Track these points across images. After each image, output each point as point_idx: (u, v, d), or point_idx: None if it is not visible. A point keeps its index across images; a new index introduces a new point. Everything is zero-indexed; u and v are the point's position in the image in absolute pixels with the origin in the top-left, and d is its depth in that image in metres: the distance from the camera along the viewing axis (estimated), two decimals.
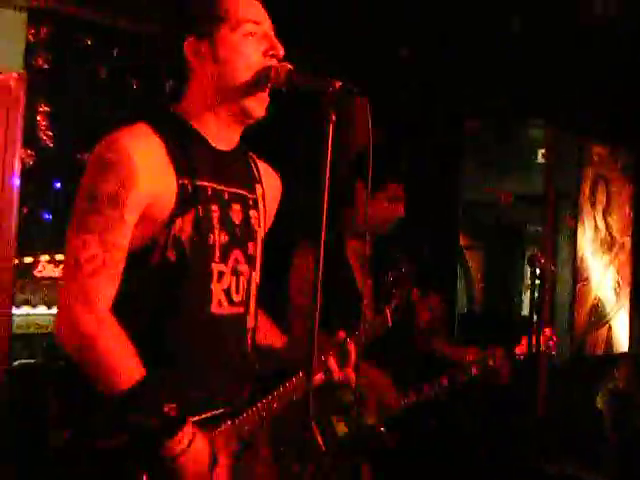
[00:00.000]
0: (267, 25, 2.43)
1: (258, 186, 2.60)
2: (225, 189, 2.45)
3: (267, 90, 2.41)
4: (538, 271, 3.86)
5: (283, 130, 4.37)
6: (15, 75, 4.17)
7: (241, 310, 2.49)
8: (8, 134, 4.15)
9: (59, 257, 8.20)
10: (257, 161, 2.66)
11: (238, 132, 2.51)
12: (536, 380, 5.47)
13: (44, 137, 5.06)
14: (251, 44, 2.38)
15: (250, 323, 2.55)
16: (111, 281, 2.24)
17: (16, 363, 5.72)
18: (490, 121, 7.01)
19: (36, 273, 7.75)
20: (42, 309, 7.56)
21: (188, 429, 2.25)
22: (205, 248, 2.37)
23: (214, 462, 2.32)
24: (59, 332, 2.25)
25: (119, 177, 2.22)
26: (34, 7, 4.39)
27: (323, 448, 3.73)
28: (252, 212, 2.54)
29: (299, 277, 3.91)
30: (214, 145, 2.44)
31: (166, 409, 2.22)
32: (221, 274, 2.41)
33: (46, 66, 4.95)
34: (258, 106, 2.42)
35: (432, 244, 6.21)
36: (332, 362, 2.70)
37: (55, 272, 8.09)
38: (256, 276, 2.56)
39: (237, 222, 2.47)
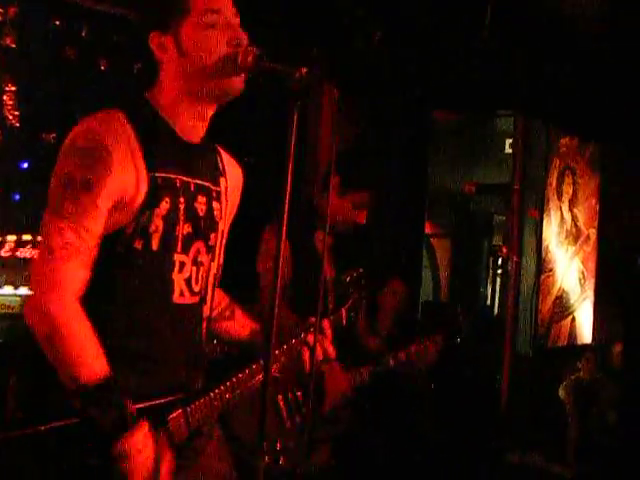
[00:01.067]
0: (230, 13, 2.41)
1: (222, 179, 2.60)
2: (191, 181, 2.45)
3: (238, 74, 2.39)
4: (501, 261, 3.93)
5: (256, 113, 4.37)
6: None
7: (197, 299, 2.51)
8: None
9: (26, 237, 8.17)
10: (222, 153, 2.66)
11: (206, 123, 2.51)
12: (499, 370, 5.52)
13: (10, 117, 5.02)
14: (214, 35, 2.37)
15: (205, 312, 2.56)
16: (83, 268, 2.24)
17: None
18: (459, 111, 7.05)
19: (3, 253, 7.71)
20: (8, 289, 7.52)
21: (144, 426, 2.25)
22: (170, 239, 2.37)
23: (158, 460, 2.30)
24: (29, 317, 2.25)
25: (93, 164, 2.22)
26: None
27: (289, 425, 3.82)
28: (215, 204, 2.54)
29: (268, 256, 3.96)
30: (182, 137, 2.44)
31: (127, 405, 2.22)
32: (182, 264, 2.43)
33: (13, 45, 4.91)
34: (235, 84, 2.41)
35: (399, 232, 6.24)
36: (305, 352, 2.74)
37: (22, 253, 8.05)
38: (215, 266, 2.57)
39: (201, 214, 2.48)
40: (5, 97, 4.96)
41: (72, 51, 4.97)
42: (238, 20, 2.43)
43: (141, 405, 2.31)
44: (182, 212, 2.40)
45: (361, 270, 3.15)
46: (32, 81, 5.07)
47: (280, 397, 3.88)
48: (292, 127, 2.10)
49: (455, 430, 5.82)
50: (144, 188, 2.30)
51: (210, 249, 2.52)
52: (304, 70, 2.15)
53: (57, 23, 4.98)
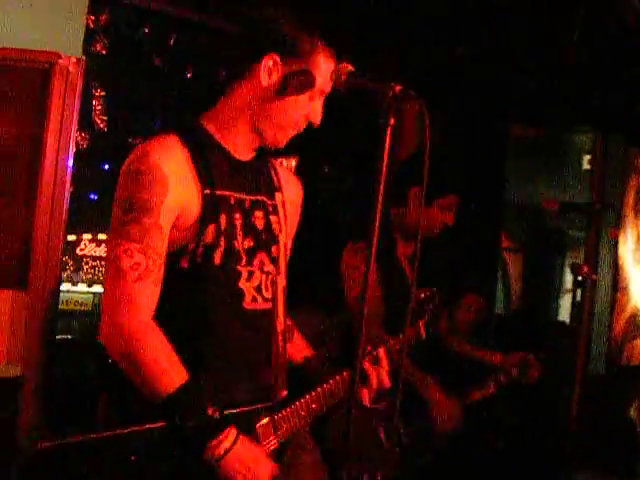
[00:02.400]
0: (326, 93, 2.54)
1: (278, 193, 2.67)
2: (246, 197, 2.53)
3: (297, 131, 2.53)
4: (580, 279, 3.89)
5: (341, 130, 4.41)
6: (74, 60, 4.22)
7: (270, 306, 2.57)
8: (64, 117, 4.20)
9: (101, 237, 8.31)
10: (277, 168, 2.73)
11: (257, 145, 2.59)
12: (571, 388, 5.46)
13: (98, 121, 5.14)
14: (306, 105, 2.50)
15: (280, 325, 2.61)
16: (154, 286, 2.34)
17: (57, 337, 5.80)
18: (538, 127, 7.01)
19: (78, 251, 7.85)
20: (82, 287, 7.65)
21: (231, 430, 2.31)
22: (231, 253, 2.45)
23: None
24: (105, 338, 2.34)
25: (151, 186, 2.32)
26: None
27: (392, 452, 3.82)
28: (273, 217, 2.60)
29: (356, 284, 3.94)
30: (235, 155, 2.53)
31: (209, 411, 2.29)
32: (251, 273, 2.50)
33: (104, 52, 5.03)
34: (284, 140, 2.55)
35: (474, 245, 6.23)
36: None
37: (96, 251, 8.19)
38: (281, 279, 2.63)
39: (260, 228, 2.55)
40: (95, 102, 5.09)
41: (160, 59, 5.06)
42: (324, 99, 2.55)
43: (228, 411, 2.37)
44: (240, 227, 2.48)
45: (435, 289, 3.15)
46: (120, 87, 5.19)
47: (381, 427, 3.83)
48: (385, 144, 2.14)
49: (523, 447, 5.78)
50: (198, 207, 2.39)
51: (273, 260, 2.59)
52: (398, 87, 2.19)
53: (146, 31, 5.08)
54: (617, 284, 7.06)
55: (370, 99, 2.23)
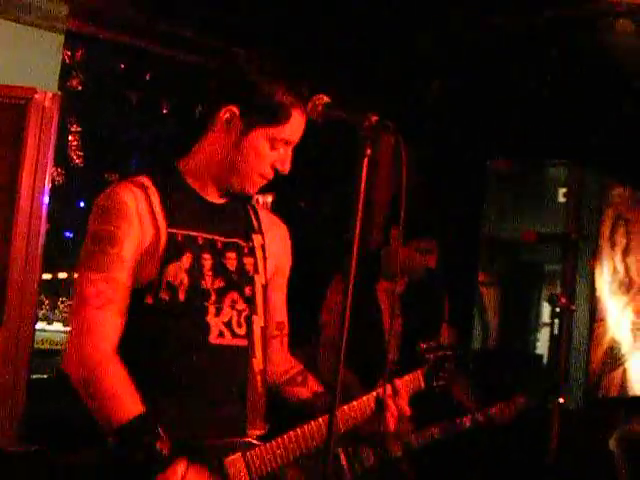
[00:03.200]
0: (294, 143, 2.55)
1: (256, 235, 2.68)
2: (218, 238, 2.56)
3: (265, 180, 2.55)
4: (558, 310, 3.89)
5: (319, 162, 4.43)
6: (50, 95, 4.23)
7: (244, 343, 2.57)
8: (40, 152, 4.21)
9: (77, 275, 8.22)
10: (259, 211, 2.75)
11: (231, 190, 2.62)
12: (548, 422, 5.45)
13: (74, 156, 5.13)
14: (270, 155, 2.51)
15: (258, 365, 2.60)
16: (117, 316, 2.39)
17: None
18: (513, 160, 7.05)
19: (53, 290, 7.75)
20: (58, 326, 7.59)
21: (180, 465, 2.29)
22: (198, 291, 2.47)
23: None
24: (67, 365, 2.38)
25: (116, 220, 2.40)
26: (71, 30, 4.46)
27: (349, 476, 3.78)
28: (247, 259, 2.62)
29: (330, 310, 4.01)
30: (207, 198, 2.57)
31: (158, 445, 2.27)
32: (219, 309, 2.51)
33: (80, 88, 5.03)
34: (252, 189, 2.57)
35: (451, 280, 6.23)
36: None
37: (72, 290, 8.13)
38: (259, 319, 2.62)
39: (232, 269, 2.56)
40: (70, 137, 5.08)
41: (135, 94, 5.07)
42: (291, 148, 2.56)
43: (192, 442, 2.37)
44: (209, 268, 2.51)
45: (445, 344, 3.10)
46: (97, 123, 5.18)
47: (341, 449, 3.82)
48: (362, 175, 2.14)
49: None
50: (162, 245, 2.43)
51: (248, 300, 2.59)
52: (374, 118, 2.19)
53: (122, 66, 5.09)
54: (594, 315, 7.07)
55: (346, 130, 2.24)
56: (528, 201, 7.48)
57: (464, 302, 6.73)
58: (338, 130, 2.34)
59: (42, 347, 7.18)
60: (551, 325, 3.86)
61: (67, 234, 6.88)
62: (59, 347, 7.44)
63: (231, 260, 2.56)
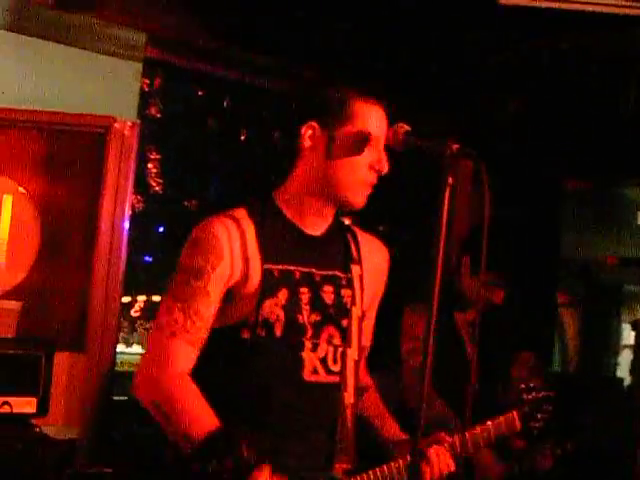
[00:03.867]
0: (382, 136, 2.47)
1: (355, 266, 2.62)
2: (316, 272, 2.51)
3: (369, 186, 2.47)
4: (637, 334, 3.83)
5: (400, 188, 4.41)
6: (129, 124, 4.29)
7: (337, 379, 2.52)
8: (120, 180, 4.26)
9: (155, 299, 8.36)
10: (359, 236, 2.69)
11: (332, 216, 2.58)
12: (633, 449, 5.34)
13: (154, 183, 5.20)
14: (363, 151, 2.44)
15: (349, 399, 2.56)
16: (190, 345, 2.36)
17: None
18: (589, 180, 6.97)
19: (133, 313, 7.91)
20: (137, 348, 7.69)
21: (265, 473, 2.24)
22: (295, 326, 2.44)
23: None
24: (137, 390, 2.39)
25: (205, 253, 2.37)
26: (150, 58, 4.52)
27: None
28: (345, 291, 2.56)
29: (411, 337, 3.94)
30: (305, 230, 2.52)
31: (244, 451, 2.24)
32: (315, 345, 2.47)
33: (158, 115, 5.10)
34: (358, 200, 2.49)
35: (530, 302, 6.16)
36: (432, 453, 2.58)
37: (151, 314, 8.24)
38: (353, 352, 2.57)
39: (329, 302, 2.52)
40: (150, 165, 5.15)
41: (214, 121, 5.11)
42: (384, 146, 2.48)
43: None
44: (307, 302, 2.47)
45: (545, 387, 3.00)
46: (175, 150, 5.25)
47: None
48: (444, 203, 2.11)
49: None
50: (258, 280, 2.40)
51: (343, 333, 2.54)
52: (455, 146, 2.17)
53: (200, 94, 5.15)
54: None
55: (427, 158, 2.22)
56: (606, 222, 7.38)
57: (544, 325, 6.64)
58: (420, 155, 2.32)
59: (121, 369, 7.29)
60: (635, 350, 3.80)
61: (146, 258, 6.98)
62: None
63: (328, 294, 2.52)
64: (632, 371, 4.05)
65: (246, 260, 2.40)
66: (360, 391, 2.71)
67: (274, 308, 2.41)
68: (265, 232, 2.45)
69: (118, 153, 4.26)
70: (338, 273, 2.56)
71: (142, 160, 4.96)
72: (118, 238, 4.26)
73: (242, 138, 5.13)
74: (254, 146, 5.12)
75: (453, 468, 2.58)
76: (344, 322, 2.54)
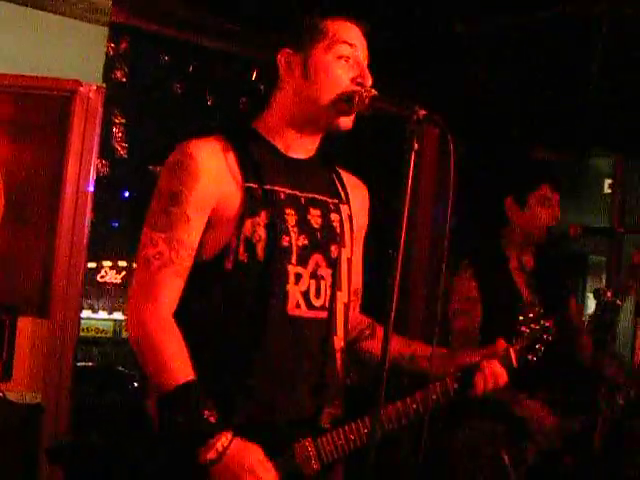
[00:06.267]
0: (362, 52, 2.45)
1: (341, 192, 2.59)
2: (301, 194, 2.46)
3: (351, 113, 2.43)
4: (603, 305, 3.81)
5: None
6: (94, 87, 4.25)
7: (323, 315, 2.47)
8: (85, 144, 4.23)
9: (121, 264, 8.33)
10: (342, 173, 2.65)
11: (316, 143, 2.54)
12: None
13: (119, 148, 5.16)
14: (342, 67, 2.41)
15: (339, 343, 2.51)
16: (177, 277, 2.32)
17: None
18: (557, 150, 6.98)
19: (98, 279, 7.89)
20: (103, 314, 7.68)
21: (223, 438, 2.23)
22: (279, 250, 2.37)
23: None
24: (127, 323, 2.40)
25: (182, 177, 2.31)
26: (115, 22, 4.48)
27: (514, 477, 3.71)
28: (333, 215, 2.52)
29: (460, 298, 3.92)
30: (288, 154, 2.48)
31: (205, 413, 2.23)
32: (298, 276, 2.41)
33: (124, 79, 5.05)
34: (344, 121, 2.45)
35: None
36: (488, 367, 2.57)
37: (117, 278, 8.22)
38: (343, 295, 2.52)
39: (316, 226, 2.46)
40: (114, 129, 5.11)
41: (179, 86, 5.08)
42: (367, 62, 2.46)
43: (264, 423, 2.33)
44: (294, 224, 2.40)
45: (540, 310, 2.96)
46: (141, 114, 5.21)
47: (503, 450, 3.74)
48: (409, 168, 2.12)
49: None
50: (239, 199, 2.35)
51: (331, 263, 2.49)
52: (422, 112, 2.17)
53: (166, 59, 5.10)
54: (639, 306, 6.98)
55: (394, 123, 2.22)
56: (573, 192, 7.41)
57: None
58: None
59: (87, 335, 7.28)
60: (595, 320, 3.79)
61: (113, 223, 6.95)
62: (104, 335, 7.54)
63: (315, 217, 2.47)
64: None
65: (226, 180, 2.36)
66: (368, 329, 2.69)
67: (257, 227, 2.35)
68: (245, 152, 2.41)
69: (83, 117, 4.22)
70: (325, 198, 2.52)
71: (107, 125, 4.91)
72: (83, 203, 4.23)
73: (208, 103, 5.09)
74: (220, 111, 5.09)
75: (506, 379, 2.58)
76: (332, 249, 2.49)
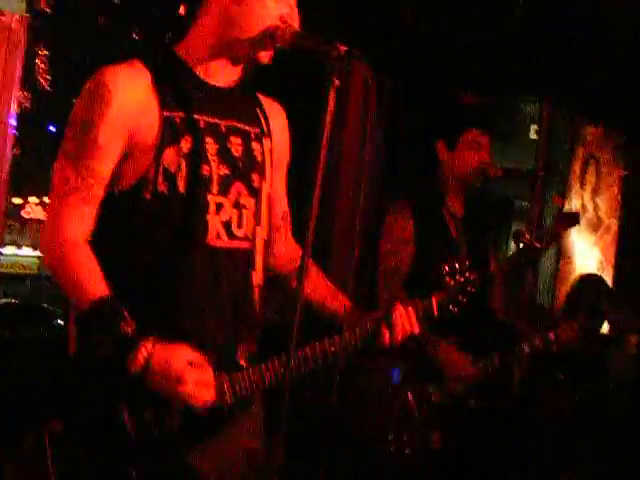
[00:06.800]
0: None
1: (263, 120, 2.58)
2: (221, 122, 2.44)
3: (272, 47, 2.42)
4: (522, 246, 3.87)
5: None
6: (17, 17, 4.16)
7: (246, 245, 2.47)
8: (7, 75, 4.15)
9: (48, 200, 8.20)
10: (263, 100, 2.64)
11: (238, 71, 2.51)
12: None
13: (42, 80, 5.06)
14: (275, 1, 2.38)
15: (257, 278, 2.51)
16: (83, 204, 2.31)
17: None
18: (484, 95, 7.02)
19: (24, 214, 7.76)
20: (28, 250, 7.56)
21: (145, 346, 2.22)
22: (199, 179, 2.36)
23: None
24: (40, 246, 2.43)
25: (94, 105, 2.28)
26: None
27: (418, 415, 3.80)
28: (255, 144, 2.51)
29: (390, 238, 3.93)
30: (209, 82, 2.45)
31: (122, 326, 2.22)
32: (219, 206, 2.40)
33: (48, 10, 4.94)
34: (262, 55, 2.44)
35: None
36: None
37: (43, 215, 8.09)
38: (262, 231, 2.53)
39: (237, 154, 2.45)
40: (38, 61, 5.01)
41: (105, 19, 4.99)
42: (295, 1, 2.44)
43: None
44: (214, 153, 2.39)
45: (466, 262, 2.90)
46: (65, 47, 5.10)
47: (407, 388, 3.83)
48: (328, 104, 2.11)
49: None
50: (156, 127, 2.32)
51: (254, 191, 2.49)
52: (343, 48, 2.16)
53: None
54: (561, 253, 7.12)
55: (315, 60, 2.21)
56: (500, 137, 7.46)
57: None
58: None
59: (11, 271, 7.17)
60: (511, 260, 3.87)
61: (37, 159, 6.83)
62: (28, 272, 7.44)
63: (236, 146, 2.46)
64: None
65: (141, 107, 2.32)
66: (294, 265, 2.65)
67: (176, 157, 2.33)
68: (163, 79, 2.37)
69: (5, 47, 4.14)
70: (246, 127, 2.51)
71: (30, 56, 4.81)
72: (3, 134, 4.16)
73: (135, 37, 5.01)
74: (146, 45, 5.01)
75: (418, 329, 2.61)
76: (254, 176, 2.49)
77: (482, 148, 4.08)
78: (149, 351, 2.21)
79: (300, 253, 2.61)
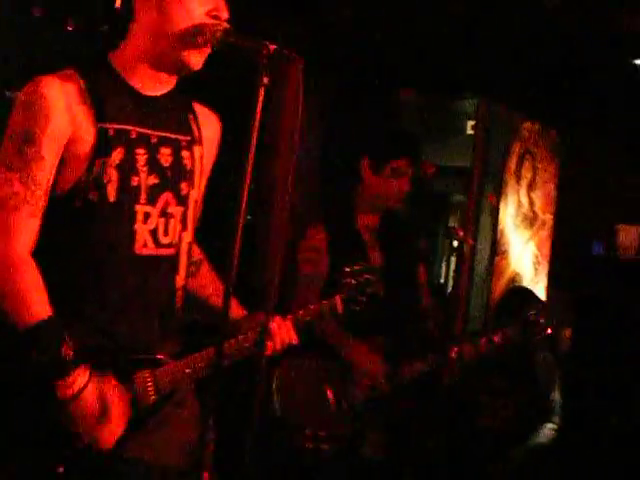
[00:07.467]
0: None
1: (194, 127, 2.61)
2: (152, 133, 2.48)
3: (206, 46, 2.43)
4: (455, 243, 3.92)
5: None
6: None
7: (170, 252, 2.53)
8: None
9: None
10: (195, 106, 2.67)
11: (172, 80, 2.55)
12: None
13: None
14: (197, 2, 2.40)
15: (180, 281, 2.58)
16: (32, 217, 2.33)
17: None
18: (423, 91, 7.07)
19: None
20: None
21: (81, 374, 2.30)
22: (128, 190, 2.41)
23: (104, 414, 2.34)
24: None
25: (33, 116, 2.31)
26: None
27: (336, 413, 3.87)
28: (184, 153, 2.55)
29: (308, 247, 4.03)
30: (141, 92, 2.49)
31: (64, 349, 2.27)
32: (147, 215, 2.45)
33: None
34: (195, 59, 2.46)
35: None
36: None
37: None
38: (188, 235, 2.58)
39: (166, 165, 2.49)
40: None
41: (39, 9, 4.91)
42: None
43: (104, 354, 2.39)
44: (143, 163, 2.43)
45: (369, 269, 3.00)
46: None
47: (327, 385, 3.90)
48: (257, 103, 2.13)
49: None
50: (91, 140, 2.36)
51: (182, 200, 2.54)
52: (272, 46, 2.18)
53: None
54: (496, 248, 7.18)
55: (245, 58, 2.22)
56: (436, 133, 7.51)
57: None
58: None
59: None
60: (447, 258, 3.91)
61: None
62: None
63: (165, 156, 2.50)
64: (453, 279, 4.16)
65: (77, 118, 2.35)
66: (193, 266, 2.73)
67: (107, 168, 2.36)
68: (97, 90, 2.39)
69: None
70: (177, 136, 2.54)
71: None
72: None
73: (69, 28, 4.93)
74: (81, 37, 4.94)
75: (296, 340, 2.69)
76: (182, 187, 2.53)
77: (405, 176, 4.12)
78: (84, 382, 2.29)
79: (195, 257, 2.75)
